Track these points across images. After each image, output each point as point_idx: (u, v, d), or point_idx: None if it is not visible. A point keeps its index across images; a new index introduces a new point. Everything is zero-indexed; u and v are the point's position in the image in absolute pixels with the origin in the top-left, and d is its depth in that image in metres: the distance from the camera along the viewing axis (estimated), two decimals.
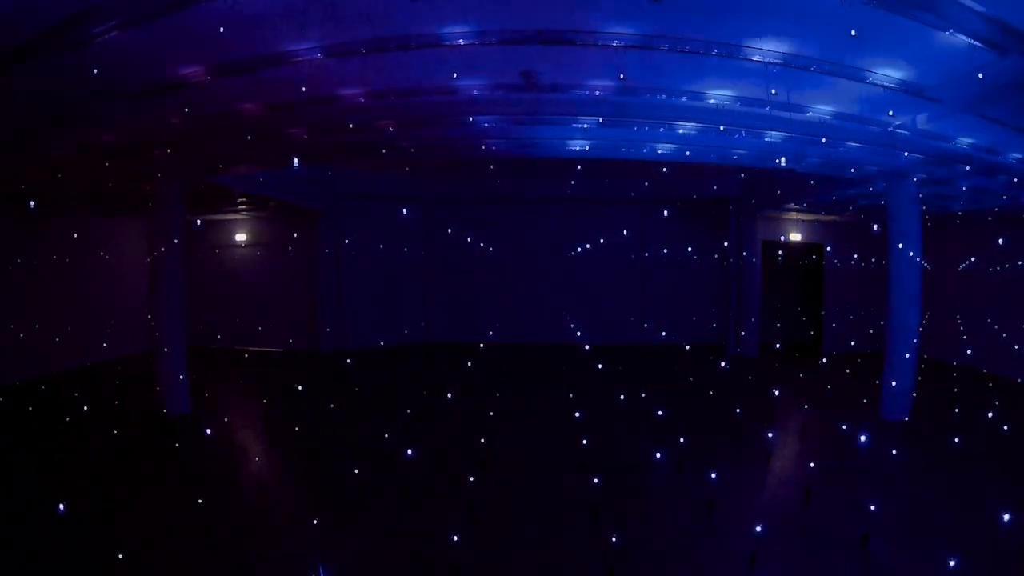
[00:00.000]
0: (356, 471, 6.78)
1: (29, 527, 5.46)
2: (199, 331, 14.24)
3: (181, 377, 9.32)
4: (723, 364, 13.35)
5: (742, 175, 12.78)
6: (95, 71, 4.82)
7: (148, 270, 9.57)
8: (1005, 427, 8.49)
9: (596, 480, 6.53)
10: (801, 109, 6.18)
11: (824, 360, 14.00)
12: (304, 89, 5.40)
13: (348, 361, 12.66)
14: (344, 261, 15.10)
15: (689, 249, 15.48)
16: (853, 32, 4.10)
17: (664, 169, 10.92)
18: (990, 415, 8.91)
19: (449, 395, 9.90)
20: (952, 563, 4.77)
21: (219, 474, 6.92)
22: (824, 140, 6.86)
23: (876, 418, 9.09)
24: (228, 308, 15.56)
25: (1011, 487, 6.42)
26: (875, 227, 9.80)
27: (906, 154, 7.47)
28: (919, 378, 9.34)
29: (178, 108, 6.03)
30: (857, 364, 13.14)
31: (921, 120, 6.18)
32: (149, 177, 9.08)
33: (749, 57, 4.84)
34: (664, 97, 6.07)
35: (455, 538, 5.24)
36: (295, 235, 15.14)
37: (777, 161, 8.08)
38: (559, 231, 15.89)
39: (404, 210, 15.22)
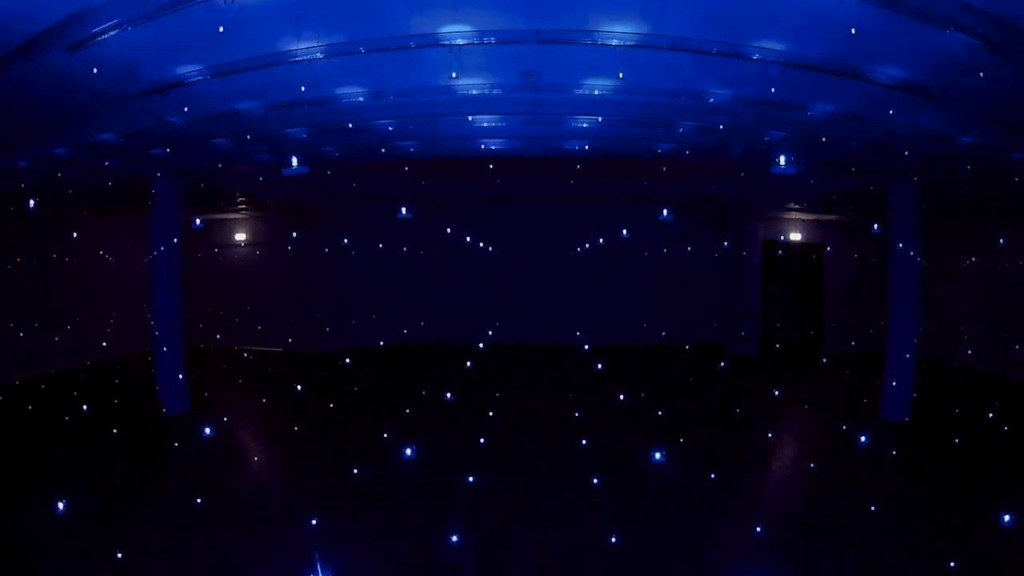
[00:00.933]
0: (356, 471, 6.78)
1: (28, 526, 5.46)
2: (199, 331, 14.20)
3: (180, 377, 9.31)
4: (723, 364, 13.34)
5: (742, 175, 12.77)
6: (95, 71, 4.81)
7: (148, 270, 9.56)
8: (1005, 427, 8.48)
9: (596, 480, 6.53)
10: (801, 108, 6.17)
11: (824, 360, 13.98)
12: (304, 89, 5.40)
13: (348, 361, 12.65)
14: (344, 261, 15.06)
15: (689, 249, 15.44)
16: (853, 31, 4.10)
17: (664, 168, 10.91)
18: (990, 415, 8.90)
19: (449, 395, 9.90)
20: (952, 564, 4.76)
21: (218, 474, 6.93)
22: (824, 139, 6.85)
23: (876, 418, 9.09)
24: (228, 308, 15.51)
25: (1011, 487, 6.42)
26: (875, 227, 9.80)
27: (906, 153, 7.46)
28: (919, 378, 9.33)
29: (178, 108, 6.03)
30: (857, 364, 13.12)
31: (922, 119, 6.17)
32: (149, 177, 9.08)
33: (749, 57, 4.83)
34: (664, 97, 6.06)
35: (455, 538, 5.24)
36: (295, 235, 15.11)
37: (777, 160, 8.07)
38: (559, 231, 15.84)
39: (403, 210, 15.21)
